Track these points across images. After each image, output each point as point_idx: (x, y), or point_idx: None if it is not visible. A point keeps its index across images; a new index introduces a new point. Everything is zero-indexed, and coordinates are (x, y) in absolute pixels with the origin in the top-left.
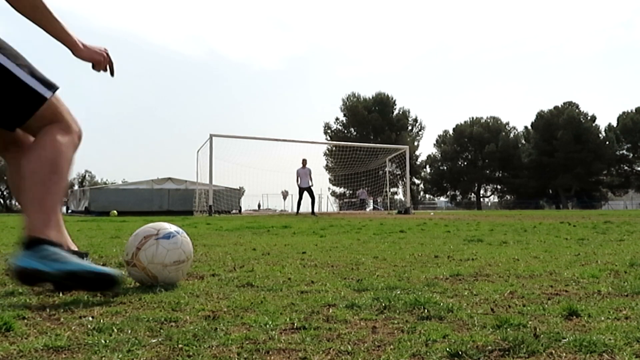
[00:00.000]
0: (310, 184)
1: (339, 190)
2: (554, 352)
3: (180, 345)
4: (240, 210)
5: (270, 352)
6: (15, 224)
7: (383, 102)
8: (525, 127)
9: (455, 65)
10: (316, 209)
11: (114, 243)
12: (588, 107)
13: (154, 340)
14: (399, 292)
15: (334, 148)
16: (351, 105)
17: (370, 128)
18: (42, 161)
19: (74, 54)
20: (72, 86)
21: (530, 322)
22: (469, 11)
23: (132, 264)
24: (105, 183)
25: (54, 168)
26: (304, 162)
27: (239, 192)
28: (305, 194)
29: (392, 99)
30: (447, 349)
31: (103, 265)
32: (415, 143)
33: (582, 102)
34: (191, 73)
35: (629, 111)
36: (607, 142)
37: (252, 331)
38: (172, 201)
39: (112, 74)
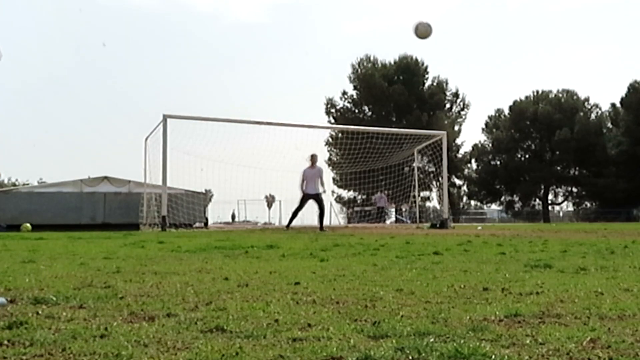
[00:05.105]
0: (320, 190)
1: (346, 194)
2: None
3: None
4: (206, 223)
5: None
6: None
7: (410, 70)
8: (613, 105)
9: (512, 17)
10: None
11: (26, 270)
12: None
13: None
14: (432, 340)
15: (339, 135)
16: (365, 73)
17: (391, 106)
18: None
19: None
20: None
21: None
22: None
23: None
24: (14, 184)
25: None
26: (314, 159)
27: (205, 197)
28: (311, 202)
29: (422, 64)
30: None
31: None
32: (456, 127)
33: None
34: (140, 28)
35: None
36: None
37: None
38: (109, 210)
39: None
